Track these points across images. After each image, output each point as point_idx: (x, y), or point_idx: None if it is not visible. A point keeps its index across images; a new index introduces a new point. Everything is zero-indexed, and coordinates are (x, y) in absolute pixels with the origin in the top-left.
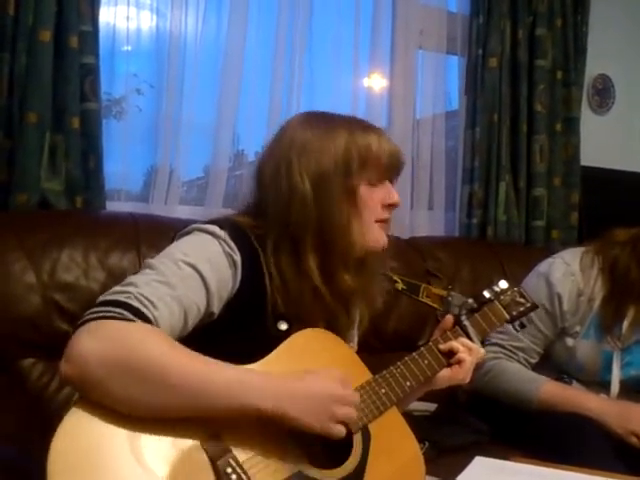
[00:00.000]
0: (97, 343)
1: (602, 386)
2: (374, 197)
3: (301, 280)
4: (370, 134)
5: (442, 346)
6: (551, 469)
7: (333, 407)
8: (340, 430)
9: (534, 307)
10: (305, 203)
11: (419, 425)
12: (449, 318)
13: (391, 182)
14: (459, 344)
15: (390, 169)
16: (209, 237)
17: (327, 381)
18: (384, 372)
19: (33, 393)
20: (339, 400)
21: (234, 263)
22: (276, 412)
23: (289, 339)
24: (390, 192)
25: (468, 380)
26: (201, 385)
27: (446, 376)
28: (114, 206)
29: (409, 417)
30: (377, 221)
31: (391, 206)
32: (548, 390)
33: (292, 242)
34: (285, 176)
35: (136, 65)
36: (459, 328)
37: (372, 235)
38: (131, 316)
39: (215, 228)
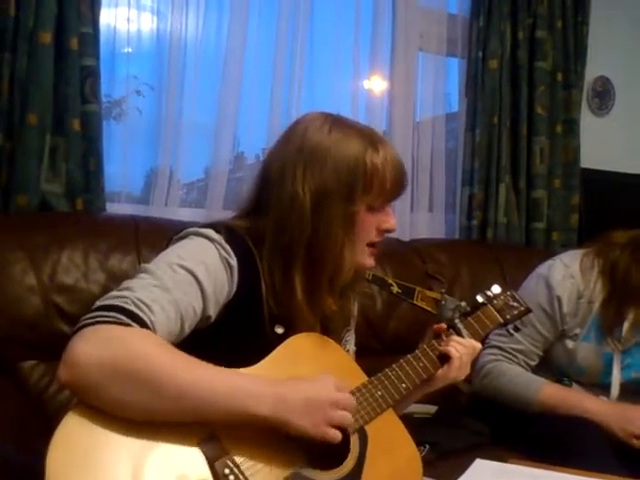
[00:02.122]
0: (93, 347)
1: (602, 388)
2: (371, 221)
3: (287, 292)
4: (380, 152)
5: (437, 349)
6: (551, 471)
7: (328, 411)
8: (335, 434)
9: (527, 310)
10: (302, 216)
11: (419, 427)
12: (440, 325)
13: (390, 205)
14: (451, 345)
15: (392, 195)
16: (205, 241)
17: (322, 386)
18: (379, 374)
19: (33, 394)
20: (334, 404)
21: (230, 267)
22: (272, 417)
23: (284, 343)
24: (388, 217)
25: (463, 377)
26: (199, 392)
27: (439, 376)
28: (114, 208)
29: (409, 419)
30: (369, 244)
31: (386, 231)
32: (548, 392)
33: (284, 253)
34: (289, 181)
35: (136, 67)
36: (453, 331)
37: (362, 259)
38: (128, 320)
39: (210, 232)
